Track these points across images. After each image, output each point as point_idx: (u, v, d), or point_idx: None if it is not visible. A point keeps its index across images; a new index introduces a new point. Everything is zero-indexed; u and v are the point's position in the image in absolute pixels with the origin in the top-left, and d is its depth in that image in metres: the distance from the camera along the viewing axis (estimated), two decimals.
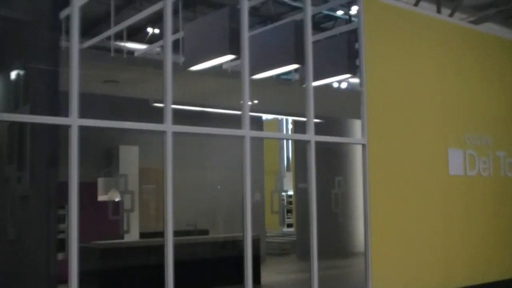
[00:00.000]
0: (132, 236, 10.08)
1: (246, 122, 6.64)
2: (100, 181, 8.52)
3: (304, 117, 7.50)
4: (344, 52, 8.11)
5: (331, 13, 9.73)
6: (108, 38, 9.23)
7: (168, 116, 6.01)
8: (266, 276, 9.56)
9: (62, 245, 9.69)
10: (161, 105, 9.86)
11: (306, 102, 7.23)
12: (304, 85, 7.34)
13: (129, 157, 10.60)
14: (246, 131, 6.63)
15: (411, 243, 7.95)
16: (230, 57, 7.28)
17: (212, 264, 8.61)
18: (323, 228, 8.52)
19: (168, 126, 6.02)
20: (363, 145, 7.68)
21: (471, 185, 8.83)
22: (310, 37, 7.21)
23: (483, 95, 9.23)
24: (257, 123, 13.41)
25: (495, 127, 9.39)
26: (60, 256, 9.75)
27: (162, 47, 9.42)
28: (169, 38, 6.13)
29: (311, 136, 7.22)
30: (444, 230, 8.34)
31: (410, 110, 8.17)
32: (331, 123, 11.51)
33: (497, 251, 9.05)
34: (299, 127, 12.37)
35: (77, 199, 5.33)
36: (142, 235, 10.42)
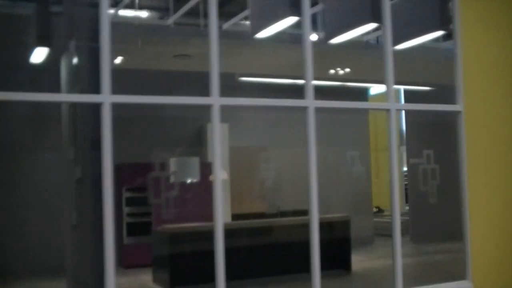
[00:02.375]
0: (224, 218, 9.69)
1: (310, 92, 5.92)
2: (173, 162, 8.16)
3: (414, 85, 6.71)
4: (436, 7, 7.09)
5: None
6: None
7: (215, 90, 5.44)
8: (364, 262, 8.79)
9: (132, 229, 9.60)
10: (248, 79, 9.35)
11: (385, 67, 6.36)
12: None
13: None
14: (310, 101, 5.92)
15: None
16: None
17: (289, 248, 8.00)
18: (423, 209, 7.64)
19: (216, 99, 5.45)
20: (459, 112, 6.67)
21: None
22: None
23: None
24: (362, 95, 12.46)
25: None
26: (129, 240, 9.64)
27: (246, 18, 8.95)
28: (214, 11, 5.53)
29: (391, 105, 6.34)
30: None
31: None
32: (444, 91, 10.37)
33: None
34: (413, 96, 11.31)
35: (111, 181, 4.93)
36: (235, 216, 10.04)
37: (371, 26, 6.83)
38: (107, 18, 5.03)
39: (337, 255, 7.44)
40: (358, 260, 8.48)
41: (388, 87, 6.35)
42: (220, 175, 5.49)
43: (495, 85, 6.88)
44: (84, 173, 6.14)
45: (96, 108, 5.65)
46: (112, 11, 9.42)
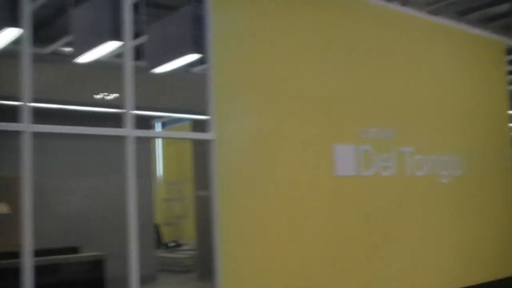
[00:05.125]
0: None
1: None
2: None
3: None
4: (190, 28, 6.62)
5: None
6: None
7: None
8: None
9: None
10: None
11: (125, 91, 5.70)
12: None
13: None
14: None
15: (274, 264, 6.38)
16: None
17: None
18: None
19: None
20: (212, 141, 6.11)
21: (367, 187, 7.31)
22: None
23: (383, 79, 7.75)
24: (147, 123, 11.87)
25: (400, 119, 7.92)
26: None
27: None
28: None
29: (128, 131, 5.62)
30: (325, 243, 6.80)
31: (280, 98, 6.58)
32: None
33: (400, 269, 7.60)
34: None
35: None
36: None
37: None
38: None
39: None
40: None
41: (126, 112, 5.70)
42: None
43: (251, 111, 6.48)
44: None
45: None
46: None
